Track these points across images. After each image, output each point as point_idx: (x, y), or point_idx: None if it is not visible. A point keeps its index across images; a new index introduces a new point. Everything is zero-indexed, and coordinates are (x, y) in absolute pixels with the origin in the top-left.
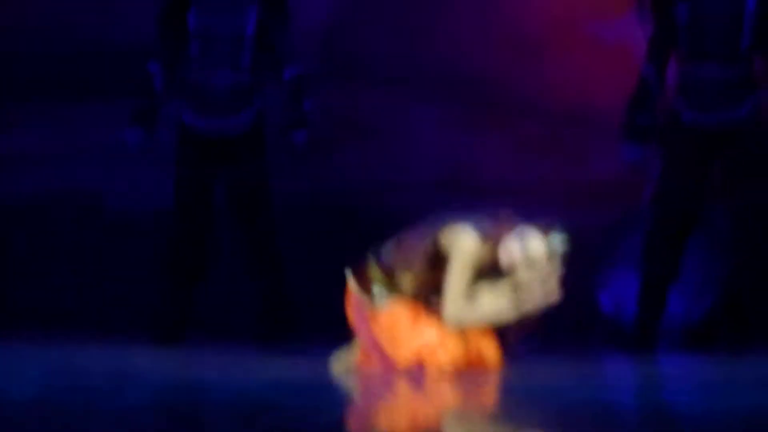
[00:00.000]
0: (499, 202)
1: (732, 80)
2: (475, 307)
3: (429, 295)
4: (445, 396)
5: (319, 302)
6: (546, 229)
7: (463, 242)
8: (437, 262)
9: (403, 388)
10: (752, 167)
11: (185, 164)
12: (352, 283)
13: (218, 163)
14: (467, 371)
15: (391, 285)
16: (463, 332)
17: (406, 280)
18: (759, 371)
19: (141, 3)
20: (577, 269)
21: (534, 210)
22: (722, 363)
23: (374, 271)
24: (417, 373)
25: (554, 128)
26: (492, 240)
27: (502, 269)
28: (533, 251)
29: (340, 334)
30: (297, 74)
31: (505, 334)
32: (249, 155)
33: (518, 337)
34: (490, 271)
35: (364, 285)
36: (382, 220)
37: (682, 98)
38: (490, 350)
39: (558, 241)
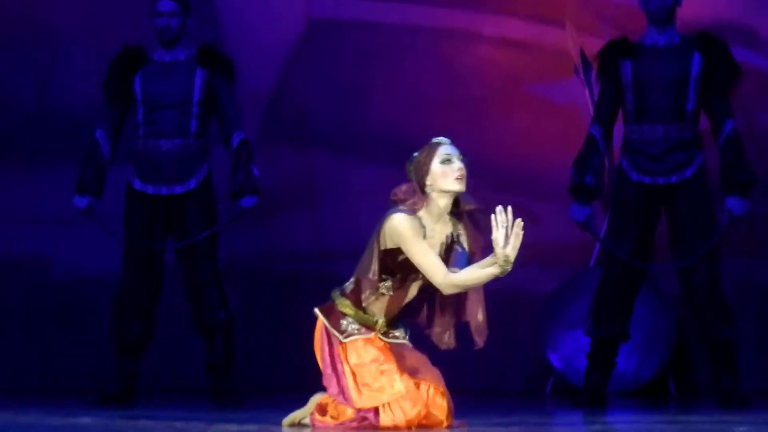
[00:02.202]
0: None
1: (677, 142)
2: (461, 272)
3: (400, 309)
4: None
5: (267, 363)
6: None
7: (394, 224)
8: (392, 262)
9: None
10: (697, 226)
11: (134, 230)
12: (321, 319)
13: (167, 228)
14: (418, 427)
15: (362, 315)
16: (419, 391)
17: (376, 304)
18: (707, 427)
19: (80, 72)
20: (527, 328)
21: None
22: (672, 420)
23: (342, 305)
24: (369, 426)
25: (500, 189)
26: (417, 210)
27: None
28: None
29: (289, 393)
30: (244, 140)
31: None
32: (197, 221)
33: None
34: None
35: (334, 321)
36: (328, 285)
37: (629, 159)
38: (441, 408)
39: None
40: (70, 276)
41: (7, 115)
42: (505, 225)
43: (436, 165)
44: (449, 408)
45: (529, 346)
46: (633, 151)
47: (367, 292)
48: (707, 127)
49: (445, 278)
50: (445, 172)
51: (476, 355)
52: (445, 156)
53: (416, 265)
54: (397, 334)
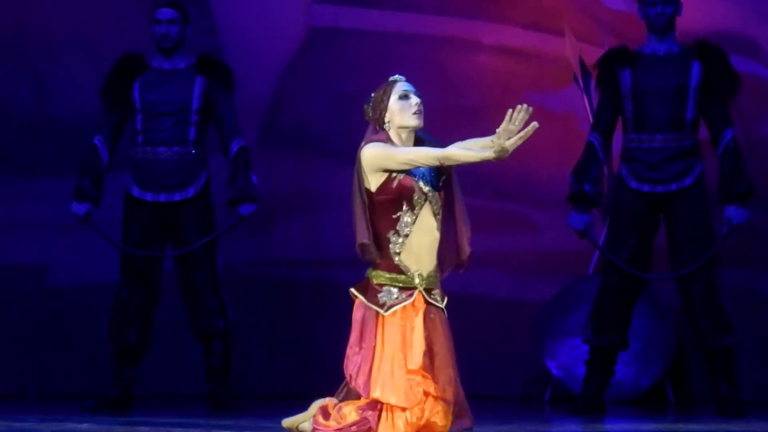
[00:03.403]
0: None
1: (676, 151)
2: (455, 146)
3: (431, 253)
4: None
5: (264, 369)
6: None
7: (367, 152)
8: (391, 191)
9: None
10: (696, 235)
11: (132, 237)
12: (359, 298)
13: (165, 236)
14: None
15: (398, 276)
16: (426, 400)
17: (405, 254)
18: None
19: (77, 81)
20: (526, 335)
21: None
22: (670, 429)
23: (377, 276)
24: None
25: (499, 198)
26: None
27: None
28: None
29: (287, 400)
30: (243, 147)
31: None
32: (196, 228)
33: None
34: None
35: (371, 297)
36: (325, 292)
37: (627, 167)
38: (440, 415)
39: None
40: (68, 282)
41: (5, 123)
42: (516, 124)
43: (393, 101)
44: (449, 414)
45: (528, 354)
46: (632, 159)
47: (382, 244)
48: (706, 137)
49: (438, 152)
50: (403, 108)
51: (475, 362)
52: (402, 92)
53: (409, 165)
54: (437, 297)
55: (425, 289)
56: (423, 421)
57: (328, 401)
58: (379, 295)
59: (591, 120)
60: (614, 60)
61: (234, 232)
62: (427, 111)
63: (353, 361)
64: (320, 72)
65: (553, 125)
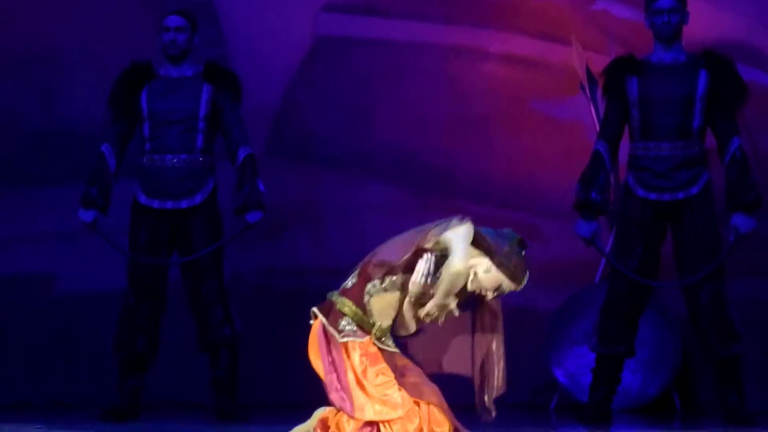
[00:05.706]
0: None
1: (683, 159)
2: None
3: (395, 318)
4: None
5: (271, 379)
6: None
7: (466, 230)
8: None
9: None
10: (703, 243)
11: (139, 245)
12: (320, 318)
13: (172, 243)
14: None
15: (360, 315)
16: (419, 409)
17: (376, 301)
18: None
19: (83, 92)
20: (533, 344)
21: None
22: None
23: (341, 303)
24: None
25: (506, 207)
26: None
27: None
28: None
29: (294, 409)
30: (250, 155)
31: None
32: (203, 236)
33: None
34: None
35: (332, 320)
36: None
37: (634, 175)
38: (443, 425)
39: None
40: (74, 292)
41: (12, 134)
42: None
43: (489, 282)
44: (452, 424)
45: (535, 362)
46: (639, 167)
47: (376, 278)
48: (713, 145)
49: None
50: (484, 290)
51: None
52: (503, 289)
53: (442, 280)
54: (389, 342)
55: (377, 338)
56: (427, 429)
57: (328, 411)
58: (340, 321)
59: (598, 128)
60: (621, 68)
61: (241, 241)
62: (433, 119)
63: (332, 385)
64: (328, 81)
65: (560, 134)
